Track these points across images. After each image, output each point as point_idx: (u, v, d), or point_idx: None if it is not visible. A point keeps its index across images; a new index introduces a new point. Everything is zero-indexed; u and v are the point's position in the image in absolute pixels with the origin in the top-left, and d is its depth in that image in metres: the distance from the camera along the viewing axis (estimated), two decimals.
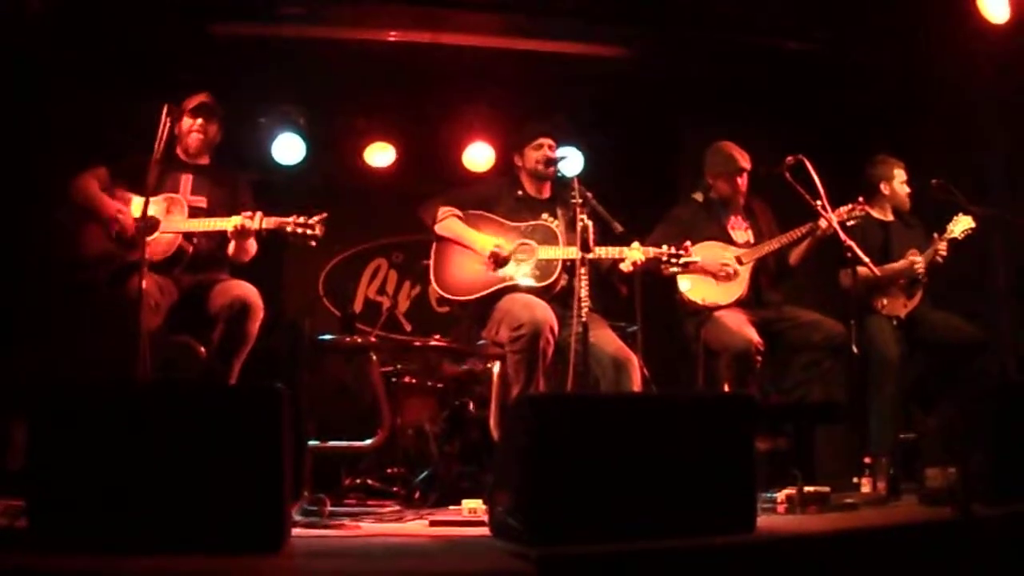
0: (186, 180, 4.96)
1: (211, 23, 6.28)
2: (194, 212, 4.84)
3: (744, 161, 5.59)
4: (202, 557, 2.86)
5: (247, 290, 4.74)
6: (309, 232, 4.66)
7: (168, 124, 4.55)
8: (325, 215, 4.69)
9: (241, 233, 4.71)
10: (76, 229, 4.81)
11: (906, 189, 5.88)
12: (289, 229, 4.67)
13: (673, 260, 5.02)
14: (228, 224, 4.71)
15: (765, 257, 5.46)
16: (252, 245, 4.92)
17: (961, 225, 5.62)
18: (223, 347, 4.67)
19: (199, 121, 5.00)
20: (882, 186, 5.86)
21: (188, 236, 4.79)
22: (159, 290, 4.62)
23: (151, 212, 4.54)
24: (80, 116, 6.15)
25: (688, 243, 5.10)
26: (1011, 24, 5.64)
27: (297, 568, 2.99)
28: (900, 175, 5.88)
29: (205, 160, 5.09)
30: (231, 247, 4.86)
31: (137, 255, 4.54)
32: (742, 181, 5.61)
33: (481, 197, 5.32)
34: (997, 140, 6.29)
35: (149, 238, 4.56)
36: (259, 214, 4.71)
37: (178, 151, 5.03)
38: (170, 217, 4.75)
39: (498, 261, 5.04)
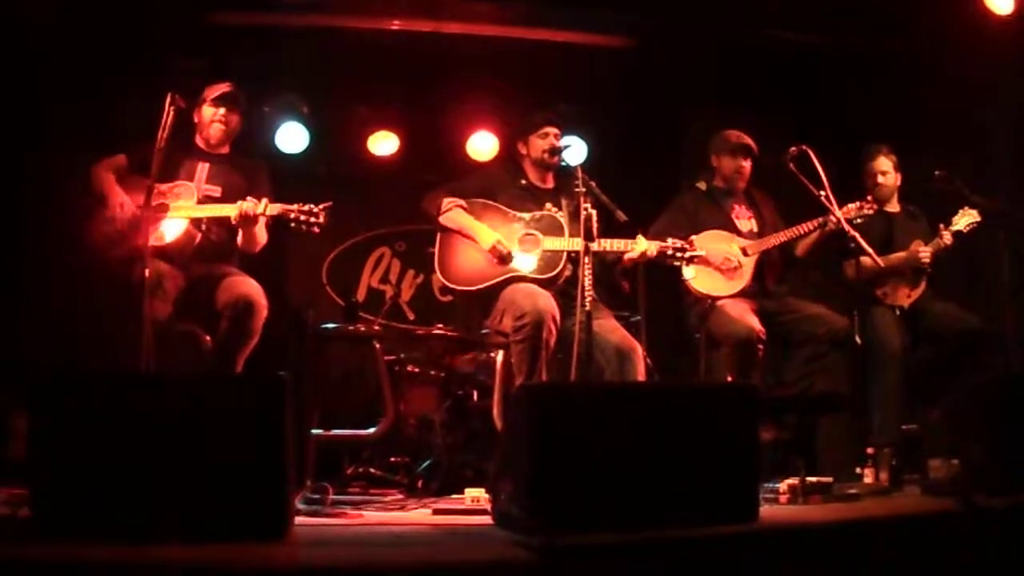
0: (202, 168, 4.94)
1: (213, 11, 6.27)
2: (207, 200, 4.83)
3: (748, 141, 5.57)
4: (205, 545, 2.86)
5: (252, 288, 4.73)
6: (312, 220, 4.62)
7: (172, 113, 4.54)
8: (330, 204, 4.64)
9: (245, 220, 4.69)
10: (89, 214, 4.81)
11: (891, 176, 5.85)
12: (292, 216, 4.63)
13: (679, 255, 5.01)
14: (232, 210, 4.69)
15: (770, 249, 5.45)
16: (262, 234, 4.89)
17: (966, 218, 5.60)
18: (227, 343, 4.68)
19: (221, 111, 4.99)
20: (877, 176, 5.84)
21: (197, 223, 4.78)
22: (166, 277, 4.62)
23: (156, 201, 4.55)
24: (82, 106, 6.14)
25: (694, 238, 5.10)
26: (1015, 16, 5.62)
27: (300, 556, 2.99)
28: (884, 163, 5.86)
29: (225, 150, 5.08)
30: (239, 236, 4.85)
31: (142, 242, 4.57)
32: (746, 164, 5.60)
33: (483, 186, 5.31)
34: (1001, 132, 6.27)
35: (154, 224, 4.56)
36: (264, 200, 4.68)
37: (197, 140, 5.02)
38: (177, 204, 4.75)
39: (500, 257, 5.03)
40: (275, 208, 4.66)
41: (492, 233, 5.08)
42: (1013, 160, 6.14)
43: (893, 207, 5.88)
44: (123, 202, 4.77)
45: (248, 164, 5.11)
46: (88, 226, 4.80)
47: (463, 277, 5.12)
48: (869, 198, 5.41)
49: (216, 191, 4.91)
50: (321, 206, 4.63)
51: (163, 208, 4.69)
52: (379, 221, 7.61)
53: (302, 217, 4.62)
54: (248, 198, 4.70)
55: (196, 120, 5.00)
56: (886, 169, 5.83)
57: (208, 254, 4.88)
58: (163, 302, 4.55)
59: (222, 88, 4.96)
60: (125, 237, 4.70)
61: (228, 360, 4.67)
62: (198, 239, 4.81)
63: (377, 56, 6.81)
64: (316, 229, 4.66)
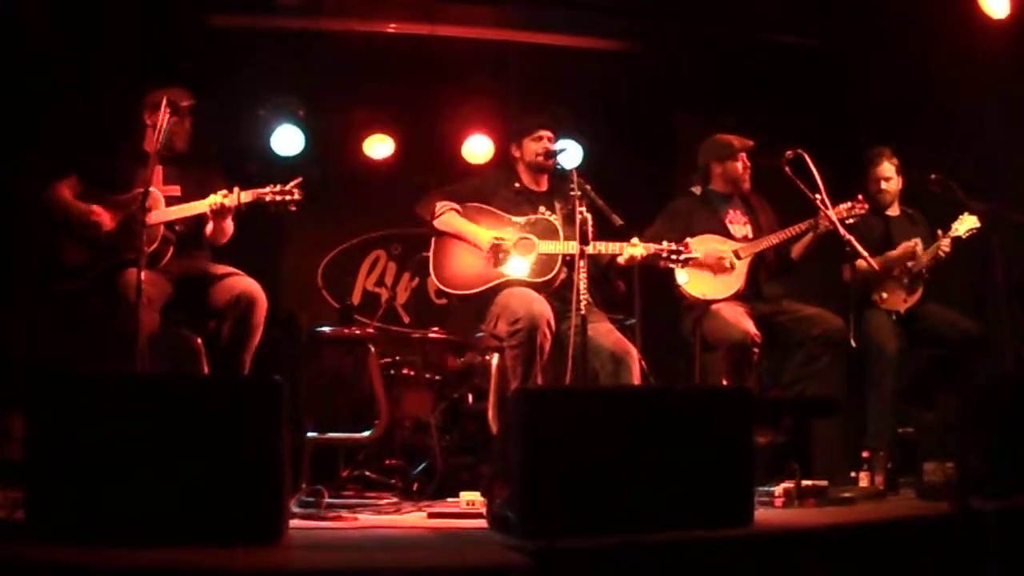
0: (157, 172, 4.94)
1: (210, 14, 6.27)
2: (170, 202, 4.82)
3: (741, 142, 5.57)
4: (200, 549, 2.86)
5: (250, 285, 4.76)
6: (288, 198, 4.67)
7: (167, 115, 4.55)
8: (300, 179, 4.70)
9: (220, 212, 4.69)
10: (55, 238, 4.79)
11: (894, 182, 5.85)
12: (268, 199, 4.67)
13: (674, 257, 5.00)
14: (206, 205, 4.70)
15: (764, 251, 5.45)
16: (229, 225, 4.90)
17: (966, 224, 5.55)
18: (233, 342, 4.69)
19: (174, 116, 4.96)
20: (881, 182, 5.85)
21: (170, 225, 4.79)
22: (151, 284, 4.60)
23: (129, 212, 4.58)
24: (77, 110, 6.13)
25: (688, 240, 5.09)
26: (1011, 19, 5.64)
27: (295, 560, 2.99)
28: (887, 168, 5.85)
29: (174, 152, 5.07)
30: (209, 228, 4.84)
31: (121, 255, 4.57)
32: (744, 163, 5.60)
33: (477, 189, 5.29)
34: (997, 136, 6.27)
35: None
36: (236, 189, 4.70)
37: (146, 145, 4.99)
38: (152, 212, 4.73)
39: (499, 255, 5.02)
40: (248, 195, 4.69)
41: (489, 232, 5.07)
42: (1009, 163, 6.15)
43: (893, 211, 5.88)
44: (95, 209, 4.74)
45: (198, 161, 5.08)
46: (60, 250, 4.77)
47: (458, 281, 5.11)
48: (860, 197, 5.41)
49: (175, 191, 4.89)
50: (293, 183, 4.69)
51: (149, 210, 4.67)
52: (374, 224, 7.61)
53: (278, 198, 4.67)
54: (219, 192, 4.71)
55: (148, 124, 4.98)
56: (889, 175, 5.83)
57: (182, 252, 4.87)
58: (150, 310, 4.53)
59: (170, 92, 4.91)
60: (106, 250, 4.70)
61: (236, 359, 4.69)
62: (173, 240, 4.81)
63: (373, 59, 6.82)
64: (293, 207, 4.70)
